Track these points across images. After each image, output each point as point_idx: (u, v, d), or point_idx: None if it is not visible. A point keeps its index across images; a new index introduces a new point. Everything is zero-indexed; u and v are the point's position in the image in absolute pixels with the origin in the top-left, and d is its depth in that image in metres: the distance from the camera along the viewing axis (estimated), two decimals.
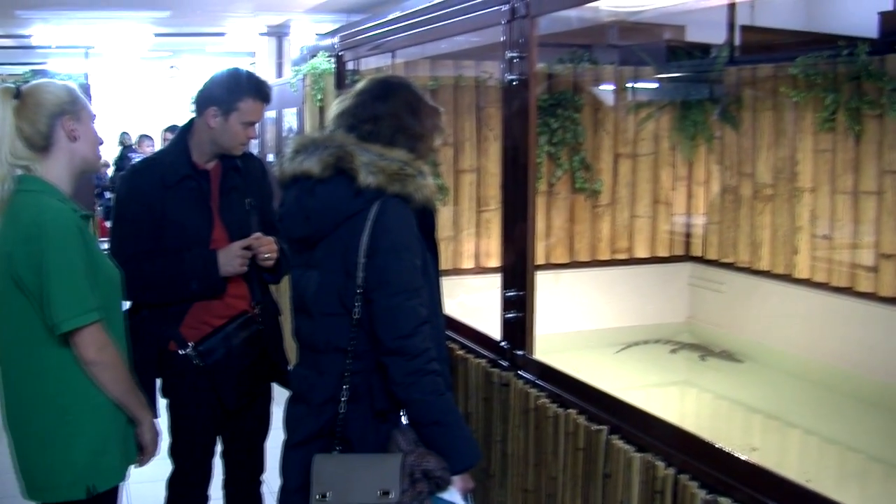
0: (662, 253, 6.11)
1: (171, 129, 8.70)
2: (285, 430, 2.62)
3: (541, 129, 5.61)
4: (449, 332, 3.58)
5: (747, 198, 5.60)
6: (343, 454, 2.45)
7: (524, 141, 3.11)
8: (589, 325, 5.79)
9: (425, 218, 2.51)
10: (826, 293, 5.06)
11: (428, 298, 2.48)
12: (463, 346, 3.49)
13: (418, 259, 2.45)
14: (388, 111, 2.51)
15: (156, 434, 2.72)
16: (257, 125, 3.21)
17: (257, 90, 3.15)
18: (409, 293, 2.40)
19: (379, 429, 2.47)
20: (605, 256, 5.93)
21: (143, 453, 2.72)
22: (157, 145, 12.89)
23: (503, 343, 3.23)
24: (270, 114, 7.32)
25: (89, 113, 2.61)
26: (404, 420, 2.51)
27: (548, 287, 5.44)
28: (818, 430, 4.50)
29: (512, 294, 3.17)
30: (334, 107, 2.58)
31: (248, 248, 3.12)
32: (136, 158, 8.70)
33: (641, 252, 6.04)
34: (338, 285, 2.44)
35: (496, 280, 3.31)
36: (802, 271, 5.23)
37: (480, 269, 5.57)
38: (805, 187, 5.18)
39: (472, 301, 4.62)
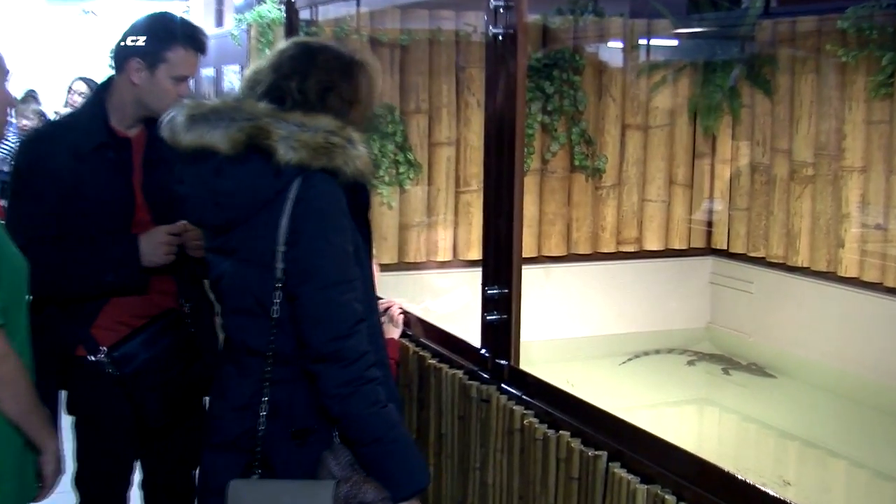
0: (679, 245, 6.15)
1: (86, 82, 8.46)
2: (204, 427, 2.65)
3: (533, 95, 5.64)
4: (421, 339, 3.63)
5: (782, 179, 5.66)
6: (263, 480, 2.45)
7: (511, 108, 3.11)
8: (588, 331, 5.84)
9: (357, 195, 2.50)
10: (878, 295, 5.12)
11: (362, 291, 2.47)
12: (435, 354, 3.51)
13: (350, 244, 2.44)
14: (311, 71, 2.51)
15: (59, 462, 2.65)
16: (191, 83, 3.18)
17: (190, 37, 3.13)
18: (343, 285, 2.39)
19: (304, 450, 2.46)
20: (608, 248, 5.97)
21: (43, 485, 2.67)
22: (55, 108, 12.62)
23: (483, 351, 3.24)
24: (207, 71, 7.30)
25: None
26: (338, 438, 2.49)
27: (538, 284, 5.52)
28: (868, 463, 4.56)
29: (494, 292, 3.18)
30: (247, 71, 2.58)
31: (176, 234, 3.12)
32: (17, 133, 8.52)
33: (653, 244, 6.08)
34: (252, 278, 2.44)
35: (477, 275, 3.33)
36: (849, 268, 5.28)
37: (459, 263, 5.60)
38: (854, 166, 5.24)
39: (448, 300, 4.61)
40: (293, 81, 2.50)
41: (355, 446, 2.41)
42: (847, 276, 5.29)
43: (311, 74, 2.51)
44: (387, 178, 5.44)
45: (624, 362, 5.67)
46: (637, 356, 5.74)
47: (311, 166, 2.38)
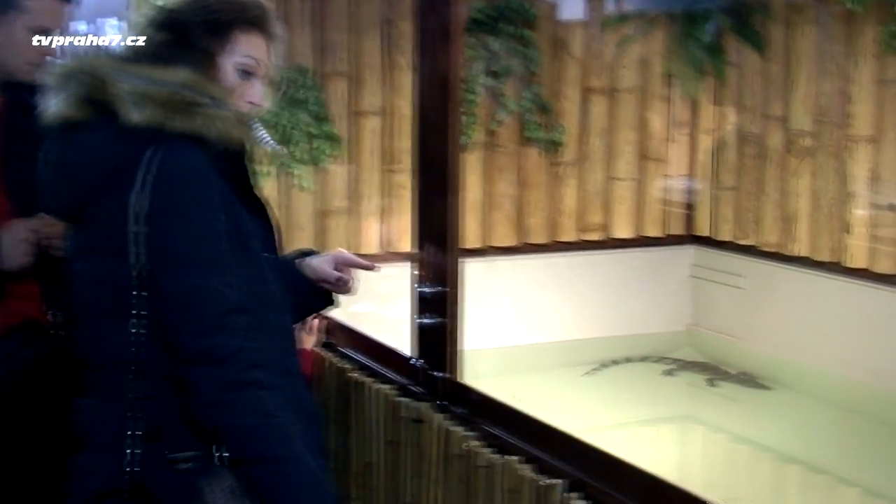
0: (653, 232, 6.19)
1: None
2: (65, 489, 2.57)
3: (475, 53, 5.65)
4: (343, 349, 3.66)
5: (776, 152, 5.71)
6: None
7: (445, 70, 3.12)
8: (544, 337, 5.83)
9: (233, 164, 2.48)
10: (891, 289, 5.17)
11: (249, 279, 2.44)
12: (360, 367, 3.53)
13: (222, 222, 2.40)
14: (168, 18, 2.50)
15: None
16: (58, 40, 3.11)
17: None
18: (209, 269, 2.34)
19: (187, 478, 2.39)
20: (568, 237, 6.00)
21: None
22: None
23: (416, 361, 3.27)
24: (81, 25, 7.22)
25: None
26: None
27: (484, 281, 5.46)
28: (885, 490, 4.57)
29: (429, 290, 3.20)
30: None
31: (37, 229, 3.09)
32: None
33: (622, 231, 6.11)
34: (106, 272, 2.41)
35: (410, 271, 3.38)
36: (857, 258, 5.33)
37: (391, 256, 5.56)
38: (861, 136, 5.29)
39: (375, 301, 4.60)
40: (148, 30, 2.49)
41: (241, 467, 2.36)
42: (854, 266, 5.34)
43: (167, 22, 2.50)
44: (300, 155, 5.41)
45: (588, 373, 5.70)
46: (604, 366, 5.77)
47: (166, 129, 2.35)
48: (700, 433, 5.38)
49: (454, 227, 3.19)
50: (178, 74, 2.40)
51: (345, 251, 2.97)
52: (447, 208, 3.18)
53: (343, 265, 2.91)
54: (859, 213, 5.32)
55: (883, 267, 5.24)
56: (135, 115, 2.33)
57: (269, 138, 2.62)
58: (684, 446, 5.25)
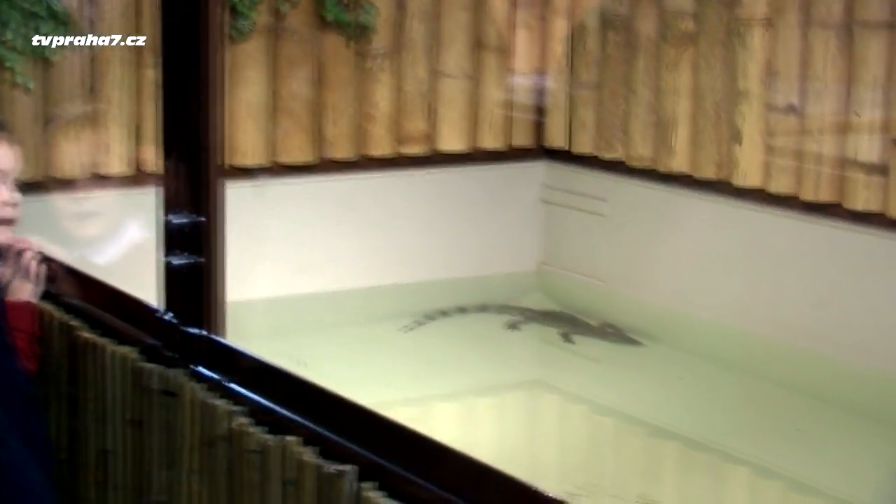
0: (493, 144, 6.24)
1: None
2: None
3: None
4: (72, 300, 3.59)
5: (649, 39, 5.78)
6: None
7: None
8: (348, 282, 5.86)
9: None
10: (792, 214, 5.27)
11: None
12: (94, 324, 3.48)
13: None
14: None
15: None
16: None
17: None
18: None
19: None
20: (382, 151, 6.02)
21: None
22: None
23: (165, 315, 3.26)
24: None
25: None
26: None
27: (264, 210, 5.47)
28: (782, 469, 4.65)
29: (182, 221, 3.18)
30: None
31: None
32: None
33: (453, 142, 6.15)
34: None
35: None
36: (750, 174, 5.42)
37: (142, 176, 5.47)
38: (755, 17, 5.37)
39: (123, 239, 4.54)
40: None
41: None
42: (746, 185, 5.43)
43: None
44: (18, 43, 5.31)
45: (406, 328, 5.69)
46: (429, 318, 5.80)
47: None
48: (550, 403, 5.44)
49: (213, 137, 3.19)
50: None
51: None
52: (202, 110, 3.17)
53: None
54: (753, 117, 5.40)
55: (781, 186, 5.33)
56: None
57: None
58: (531, 422, 5.28)
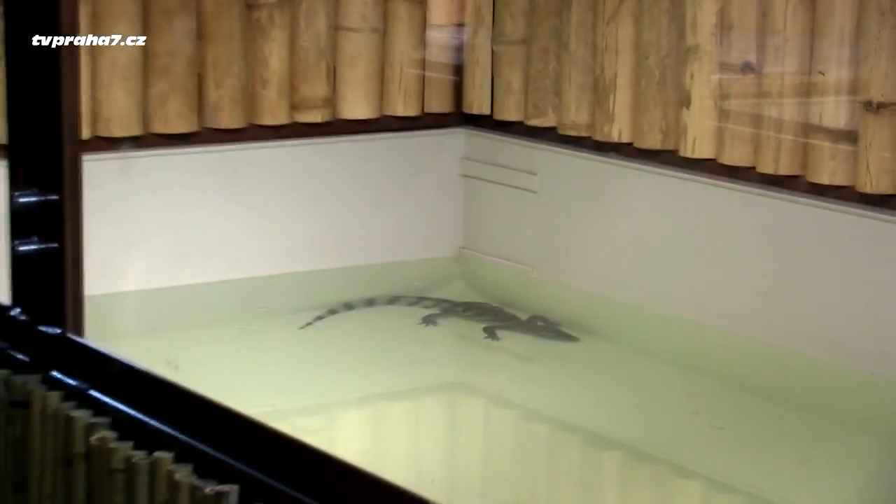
0: (405, 111, 6.24)
1: None
2: None
3: None
4: None
5: None
6: None
7: None
8: (236, 271, 5.88)
9: None
10: (749, 188, 5.30)
11: None
12: None
13: None
14: None
15: None
16: None
17: None
18: None
19: None
20: (274, 119, 6.00)
21: None
22: None
23: (13, 311, 3.24)
24: None
25: None
26: None
27: (137, 186, 5.45)
28: (740, 483, 4.63)
29: (28, 200, 3.15)
30: None
31: None
32: None
33: (357, 109, 6.14)
34: None
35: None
36: (700, 143, 5.43)
37: None
38: None
39: None
40: None
41: None
42: (696, 156, 5.44)
43: None
44: None
45: (306, 326, 5.65)
46: (333, 312, 5.76)
47: None
48: (473, 409, 5.44)
49: (70, 101, 3.16)
50: None
51: None
52: (56, 68, 3.13)
53: None
54: (703, 77, 5.41)
55: (736, 156, 5.35)
56: None
57: None
58: (449, 430, 5.24)
